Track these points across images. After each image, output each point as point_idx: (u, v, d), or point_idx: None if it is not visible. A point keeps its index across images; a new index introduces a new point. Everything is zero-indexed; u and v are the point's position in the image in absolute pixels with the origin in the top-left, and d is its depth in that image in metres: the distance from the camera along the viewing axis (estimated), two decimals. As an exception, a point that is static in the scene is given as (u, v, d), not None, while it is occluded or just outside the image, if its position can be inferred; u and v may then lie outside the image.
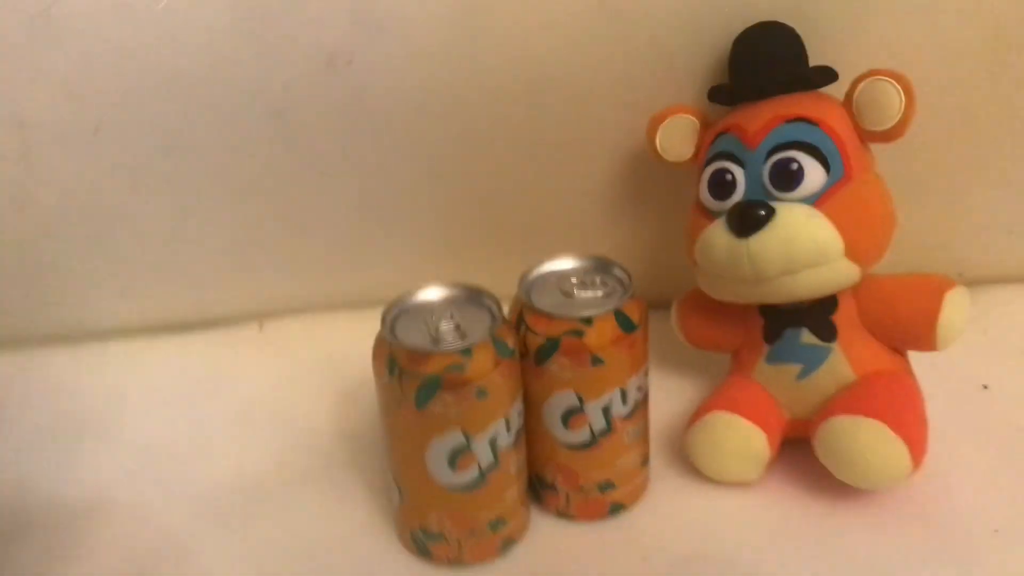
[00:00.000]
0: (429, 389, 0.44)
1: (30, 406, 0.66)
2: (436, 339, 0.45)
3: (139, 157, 0.63)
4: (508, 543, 0.50)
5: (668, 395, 0.60)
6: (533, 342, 0.48)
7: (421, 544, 0.49)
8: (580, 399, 0.48)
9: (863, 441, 0.47)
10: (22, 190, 0.64)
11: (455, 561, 0.49)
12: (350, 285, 0.72)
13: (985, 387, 0.61)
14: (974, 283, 0.52)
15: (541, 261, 0.51)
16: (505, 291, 0.49)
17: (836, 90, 0.53)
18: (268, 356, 0.70)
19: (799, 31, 0.54)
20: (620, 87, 0.60)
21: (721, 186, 0.52)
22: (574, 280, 0.50)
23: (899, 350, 0.53)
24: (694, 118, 0.56)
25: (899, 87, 0.49)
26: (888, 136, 0.50)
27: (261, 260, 0.70)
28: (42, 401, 0.66)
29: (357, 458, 0.59)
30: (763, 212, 0.49)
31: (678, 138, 0.56)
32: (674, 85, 0.59)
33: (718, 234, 0.50)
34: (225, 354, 0.71)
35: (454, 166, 0.64)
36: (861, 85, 0.50)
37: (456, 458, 0.46)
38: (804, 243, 0.48)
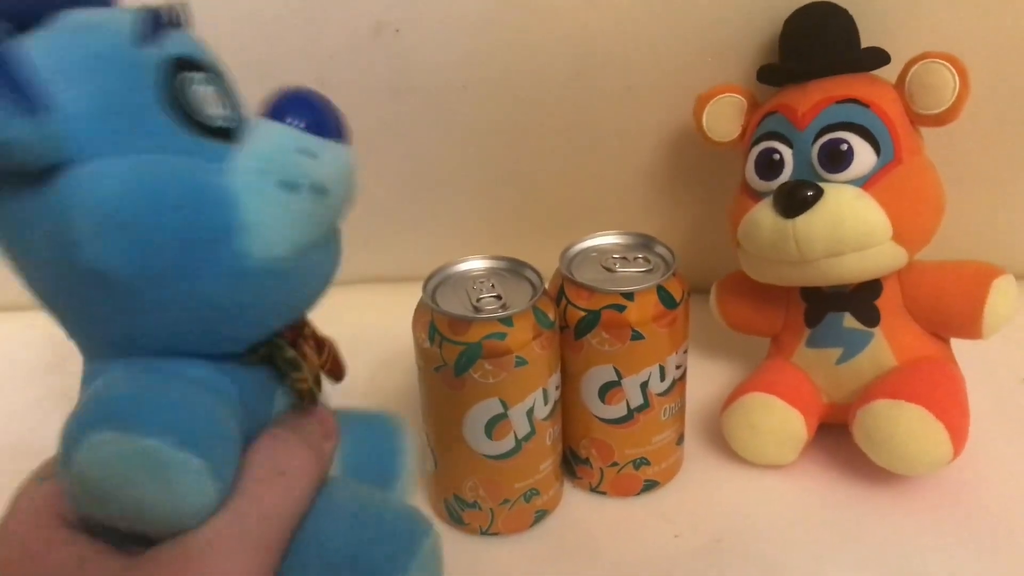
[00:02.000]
0: (469, 357, 0.44)
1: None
2: (477, 308, 0.45)
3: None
4: (541, 514, 0.50)
5: (705, 377, 0.60)
6: (573, 315, 0.48)
7: (454, 512, 0.49)
8: (618, 374, 0.48)
9: (904, 426, 0.47)
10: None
11: (488, 530, 0.49)
12: (389, 260, 0.72)
13: (1025, 380, 0.60)
14: (1019, 278, 0.51)
15: (583, 237, 0.51)
16: (546, 269, 0.49)
17: (887, 74, 0.52)
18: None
19: (852, 12, 0.53)
20: (668, 65, 0.60)
21: (768, 166, 0.51)
22: (616, 256, 0.50)
23: (942, 337, 0.53)
24: (742, 97, 0.56)
25: (954, 70, 0.48)
26: (940, 120, 0.50)
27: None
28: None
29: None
30: (811, 193, 0.48)
31: (725, 117, 0.56)
32: (722, 64, 0.59)
33: (764, 214, 0.50)
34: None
35: (498, 142, 0.64)
36: (915, 67, 0.50)
37: (493, 427, 0.46)
38: (851, 225, 0.48)
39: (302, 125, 0.30)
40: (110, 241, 0.27)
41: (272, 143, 0.29)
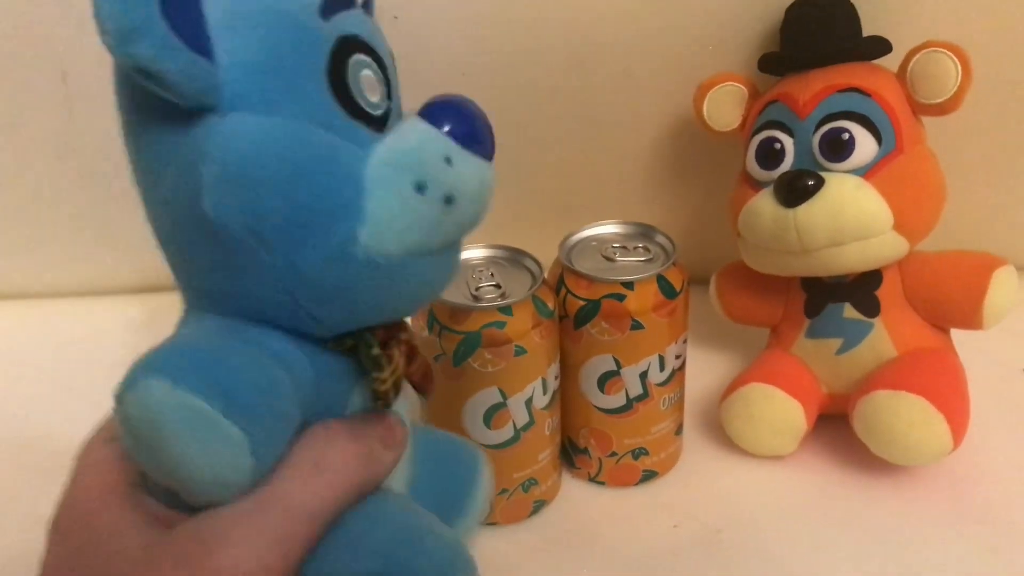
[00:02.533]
0: (468, 346, 0.44)
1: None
2: (476, 297, 0.45)
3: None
4: (539, 505, 0.50)
5: (704, 368, 0.60)
6: (573, 305, 0.47)
7: (453, 502, 0.49)
8: (618, 363, 0.48)
9: (904, 417, 0.47)
10: (64, 140, 0.65)
11: (486, 520, 0.49)
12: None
13: (1025, 371, 0.60)
14: (1020, 269, 0.51)
15: (582, 226, 0.51)
16: (546, 258, 0.49)
17: (889, 63, 0.52)
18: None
19: (853, 1, 0.53)
20: (668, 53, 0.60)
21: (769, 155, 0.51)
22: (616, 245, 0.50)
23: (942, 328, 0.52)
24: (742, 86, 0.55)
25: (956, 59, 0.48)
26: (942, 109, 0.49)
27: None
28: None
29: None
30: (812, 182, 0.48)
31: (725, 106, 0.55)
32: (723, 53, 0.58)
33: (765, 204, 0.50)
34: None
35: (498, 130, 0.62)
36: (917, 56, 0.49)
37: (492, 416, 0.46)
38: (853, 214, 0.48)
39: (452, 132, 0.29)
40: (231, 194, 0.27)
41: (417, 142, 0.29)
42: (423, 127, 0.29)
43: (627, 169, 0.65)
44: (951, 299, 0.50)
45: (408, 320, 0.35)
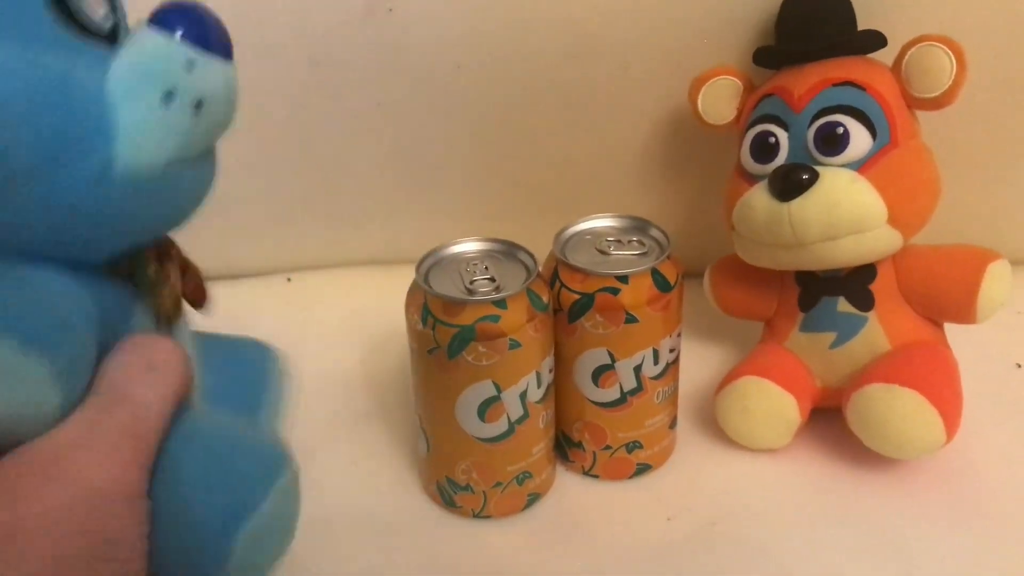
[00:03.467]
0: (462, 339, 0.44)
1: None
2: (471, 290, 0.45)
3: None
4: (533, 498, 0.50)
5: (698, 361, 0.60)
6: (567, 298, 0.47)
7: (447, 495, 0.49)
8: (612, 357, 0.48)
9: (898, 410, 0.47)
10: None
11: (480, 513, 0.49)
12: (380, 242, 0.72)
13: (1019, 366, 0.60)
14: (1014, 263, 0.51)
15: (577, 220, 0.51)
16: (540, 251, 0.49)
17: (884, 56, 0.52)
18: (295, 309, 0.70)
19: (849, -6, 0.53)
20: (663, 46, 0.59)
21: (764, 149, 0.51)
22: (610, 239, 0.50)
23: (936, 322, 0.53)
24: (737, 80, 0.55)
25: (951, 53, 0.48)
26: (937, 103, 0.49)
27: (291, 212, 0.70)
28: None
29: (383, 409, 0.59)
30: (806, 176, 0.48)
31: (721, 100, 0.55)
32: (718, 46, 0.58)
33: (759, 198, 0.50)
34: (252, 306, 0.71)
35: (491, 124, 0.63)
36: (911, 50, 0.49)
37: (486, 409, 0.45)
38: (847, 208, 0.48)
39: (187, 37, 0.29)
40: None
41: (155, 51, 0.28)
42: (158, 35, 0.29)
43: (622, 162, 0.65)
44: (945, 293, 0.50)
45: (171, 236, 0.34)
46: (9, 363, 0.25)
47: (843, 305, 0.52)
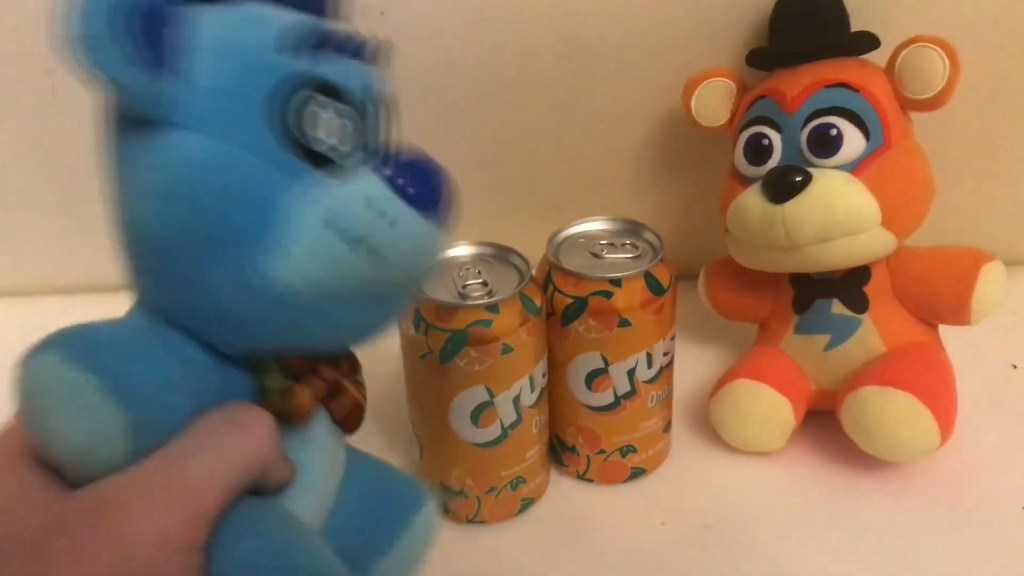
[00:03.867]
0: (455, 344, 0.43)
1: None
2: (463, 294, 0.45)
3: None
4: (527, 503, 0.50)
5: (692, 364, 0.59)
6: (560, 302, 0.47)
7: (440, 500, 0.49)
8: (605, 361, 0.47)
9: (892, 413, 0.47)
10: (49, 135, 0.64)
11: (474, 518, 0.49)
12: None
13: (1015, 367, 0.60)
14: (1008, 264, 0.51)
15: (570, 223, 0.51)
16: (533, 255, 0.49)
17: (877, 58, 0.52)
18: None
19: (841, -5, 0.53)
20: (656, 49, 0.59)
21: (757, 151, 0.51)
22: (604, 242, 0.49)
23: (931, 324, 0.52)
24: (731, 82, 0.55)
25: (943, 54, 0.48)
26: (930, 104, 0.49)
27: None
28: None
29: (375, 415, 0.58)
30: (800, 178, 0.48)
31: (714, 102, 0.55)
32: (711, 48, 0.58)
33: (752, 200, 0.50)
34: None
35: (484, 125, 0.63)
36: (905, 51, 0.49)
37: (479, 414, 0.45)
38: (840, 210, 0.47)
39: (402, 188, 0.29)
40: (165, 204, 0.28)
41: (358, 191, 0.29)
42: (372, 178, 0.29)
43: (615, 165, 0.65)
44: (939, 295, 0.50)
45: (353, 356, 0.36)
46: (94, 399, 0.27)
47: (837, 307, 0.52)
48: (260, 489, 0.31)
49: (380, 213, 0.29)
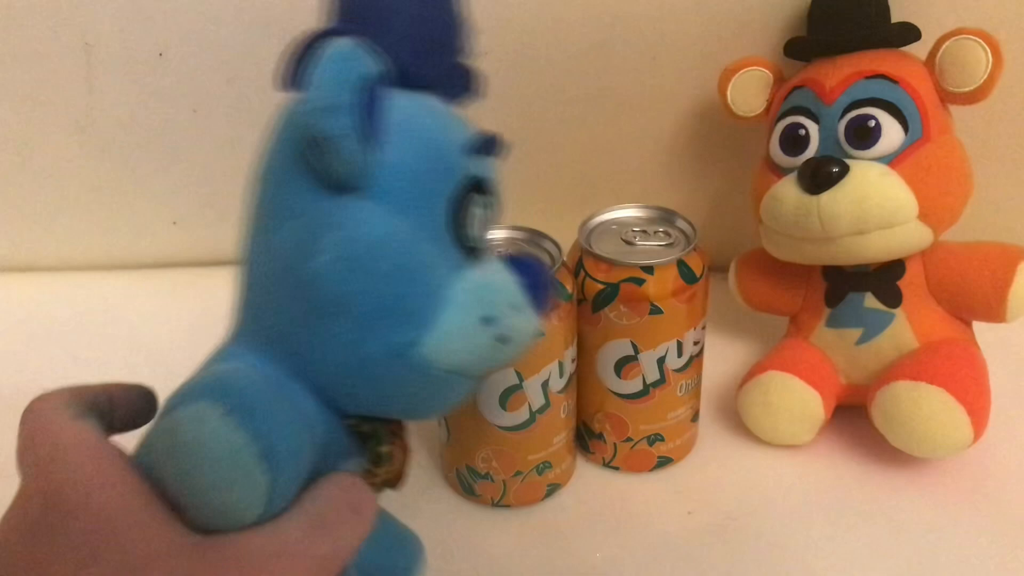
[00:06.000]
0: (486, 326, 0.43)
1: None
2: (495, 278, 0.45)
3: (202, 85, 0.63)
4: (553, 488, 0.50)
5: (722, 356, 0.59)
6: (591, 288, 0.47)
7: (466, 483, 0.49)
8: (635, 348, 0.47)
9: (925, 408, 0.46)
10: (85, 113, 0.65)
11: (499, 502, 0.49)
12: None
13: (1049, 366, 0.59)
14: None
15: (603, 209, 0.51)
16: (565, 240, 0.48)
17: (917, 50, 0.51)
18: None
19: (882, -14, 0.52)
20: (692, 37, 0.59)
21: (793, 141, 0.51)
22: (636, 229, 0.49)
23: (964, 320, 0.52)
24: (767, 71, 0.55)
25: (987, 47, 0.47)
26: (971, 98, 0.49)
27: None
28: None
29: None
30: (837, 169, 0.47)
31: (750, 91, 0.55)
32: (748, 37, 0.58)
33: (788, 190, 0.49)
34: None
35: (519, 110, 0.63)
36: (946, 44, 0.49)
37: (508, 398, 0.45)
38: (877, 203, 0.47)
39: (528, 287, 0.34)
40: (338, 266, 0.30)
41: (498, 282, 0.33)
42: (507, 273, 0.34)
43: (649, 152, 0.65)
44: (975, 291, 0.50)
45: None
46: (244, 460, 0.27)
47: (870, 301, 0.51)
48: None
49: (511, 302, 0.33)
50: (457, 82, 0.35)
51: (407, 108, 0.31)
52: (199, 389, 0.28)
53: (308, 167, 0.30)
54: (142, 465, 0.29)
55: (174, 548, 0.27)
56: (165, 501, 0.28)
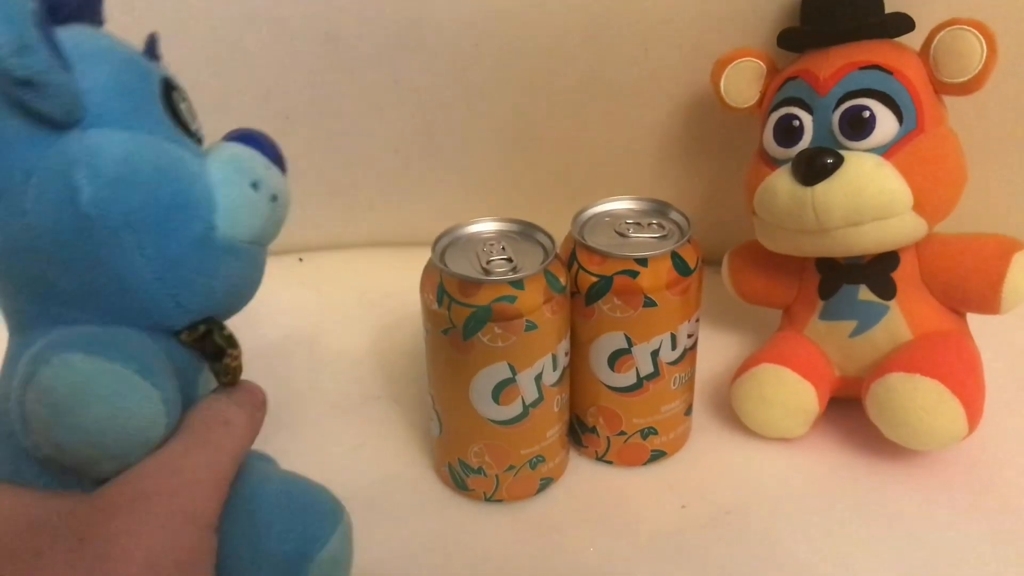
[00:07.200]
0: (478, 319, 0.43)
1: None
2: (487, 270, 0.44)
3: (189, 74, 0.62)
4: (546, 482, 0.49)
5: (716, 348, 0.59)
6: (585, 280, 0.47)
7: (459, 478, 0.49)
8: (629, 341, 0.47)
9: (919, 400, 0.46)
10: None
11: (492, 496, 0.48)
12: (394, 222, 0.71)
13: (1042, 357, 0.59)
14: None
15: (596, 201, 0.50)
16: (558, 233, 0.48)
17: (911, 41, 0.51)
18: (307, 289, 0.70)
19: (876, -24, 0.52)
20: (685, 28, 0.59)
21: (787, 132, 0.50)
22: (630, 221, 0.49)
23: (959, 312, 0.52)
24: (761, 62, 0.54)
25: (981, 37, 0.47)
26: (966, 88, 0.48)
27: (304, 190, 0.69)
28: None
29: (394, 390, 0.58)
30: (831, 160, 0.47)
31: (743, 82, 0.54)
32: (741, 28, 0.57)
33: (782, 182, 0.49)
34: (262, 286, 0.70)
35: (511, 102, 0.63)
36: (941, 34, 0.48)
37: (500, 391, 0.45)
38: (872, 194, 0.47)
39: (262, 151, 0.36)
40: (108, 192, 0.31)
41: (243, 153, 0.36)
42: (239, 145, 0.36)
43: (642, 144, 0.64)
44: (969, 282, 0.50)
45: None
46: (132, 383, 0.29)
47: (864, 293, 0.51)
48: None
49: (263, 164, 0.36)
50: (93, 9, 0.35)
51: (76, 36, 0.32)
52: (40, 355, 0.29)
53: (21, 119, 0.30)
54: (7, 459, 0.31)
55: (76, 507, 0.29)
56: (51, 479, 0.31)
